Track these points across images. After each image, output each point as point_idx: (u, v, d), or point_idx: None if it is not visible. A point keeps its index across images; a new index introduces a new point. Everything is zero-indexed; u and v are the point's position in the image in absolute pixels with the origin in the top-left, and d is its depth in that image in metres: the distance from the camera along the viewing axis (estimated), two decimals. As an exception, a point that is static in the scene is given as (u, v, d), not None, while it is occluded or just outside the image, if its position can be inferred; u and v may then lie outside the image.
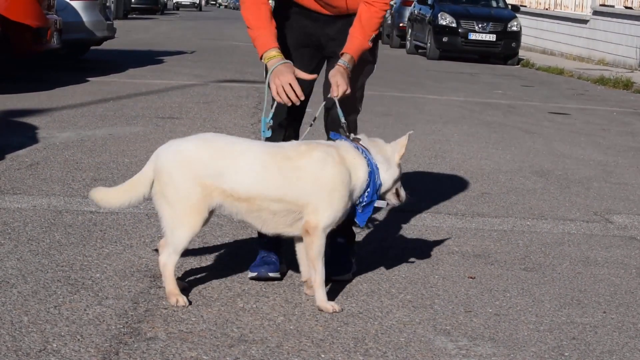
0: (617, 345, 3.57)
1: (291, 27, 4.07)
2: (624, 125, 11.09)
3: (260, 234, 4.12)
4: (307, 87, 3.97)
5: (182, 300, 3.64)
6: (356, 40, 3.95)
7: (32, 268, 4.01)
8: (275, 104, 3.93)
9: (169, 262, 3.64)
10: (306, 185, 3.62)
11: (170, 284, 3.65)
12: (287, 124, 4.07)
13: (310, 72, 4.00)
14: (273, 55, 3.86)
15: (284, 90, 3.79)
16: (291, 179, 3.61)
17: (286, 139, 4.00)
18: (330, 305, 3.71)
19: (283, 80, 3.80)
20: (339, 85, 3.85)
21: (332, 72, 3.91)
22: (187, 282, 3.93)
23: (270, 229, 3.72)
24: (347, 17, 4.04)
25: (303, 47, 4.09)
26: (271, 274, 3.99)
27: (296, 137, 4.12)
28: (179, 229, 3.60)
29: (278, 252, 4.13)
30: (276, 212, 3.64)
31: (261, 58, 3.88)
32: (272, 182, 3.61)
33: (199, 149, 3.63)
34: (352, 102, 4.06)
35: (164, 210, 3.62)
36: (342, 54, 3.95)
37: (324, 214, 3.64)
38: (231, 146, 3.66)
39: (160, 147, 3.71)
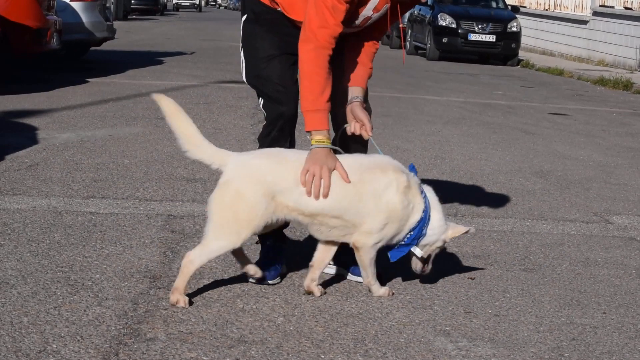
0: (616, 346, 3.57)
1: (273, 31, 4.03)
2: (623, 126, 11.09)
3: (262, 236, 4.13)
4: (294, 96, 3.98)
5: (183, 301, 3.63)
6: (362, 71, 4.02)
7: (32, 269, 4.01)
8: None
9: (196, 262, 3.64)
10: (367, 207, 3.69)
11: (183, 282, 3.64)
12: (288, 131, 4.09)
13: (291, 74, 3.99)
14: (328, 140, 3.74)
15: (317, 184, 3.64)
16: (354, 201, 3.68)
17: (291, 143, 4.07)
18: (386, 291, 3.93)
19: (323, 170, 3.64)
20: (365, 124, 3.92)
21: (354, 112, 3.95)
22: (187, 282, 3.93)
23: (324, 237, 3.81)
24: None
25: (284, 54, 4.02)
26: (271, 281, 4.00)
27: (292, 139, 4.10)
28: (224, 239, 3.62)
29: (281, 253, 4.14)
30: (334, 226, 3.72)
31: (309, 130, 3.74)
32: (336, 202, 3.66)
33: (274, 165, 3.64)
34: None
35: (217, 217, 3.60)
36: (352, 87, 3.99)
37: (374, 236, 3.74)
38: (301, 162, 3.66)
39: (234, 160, 3.65)
